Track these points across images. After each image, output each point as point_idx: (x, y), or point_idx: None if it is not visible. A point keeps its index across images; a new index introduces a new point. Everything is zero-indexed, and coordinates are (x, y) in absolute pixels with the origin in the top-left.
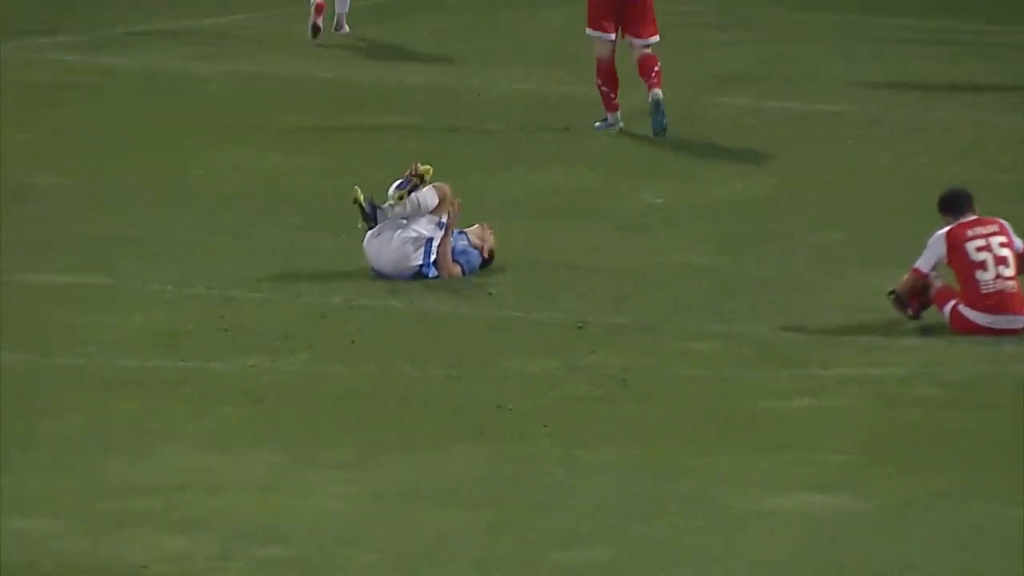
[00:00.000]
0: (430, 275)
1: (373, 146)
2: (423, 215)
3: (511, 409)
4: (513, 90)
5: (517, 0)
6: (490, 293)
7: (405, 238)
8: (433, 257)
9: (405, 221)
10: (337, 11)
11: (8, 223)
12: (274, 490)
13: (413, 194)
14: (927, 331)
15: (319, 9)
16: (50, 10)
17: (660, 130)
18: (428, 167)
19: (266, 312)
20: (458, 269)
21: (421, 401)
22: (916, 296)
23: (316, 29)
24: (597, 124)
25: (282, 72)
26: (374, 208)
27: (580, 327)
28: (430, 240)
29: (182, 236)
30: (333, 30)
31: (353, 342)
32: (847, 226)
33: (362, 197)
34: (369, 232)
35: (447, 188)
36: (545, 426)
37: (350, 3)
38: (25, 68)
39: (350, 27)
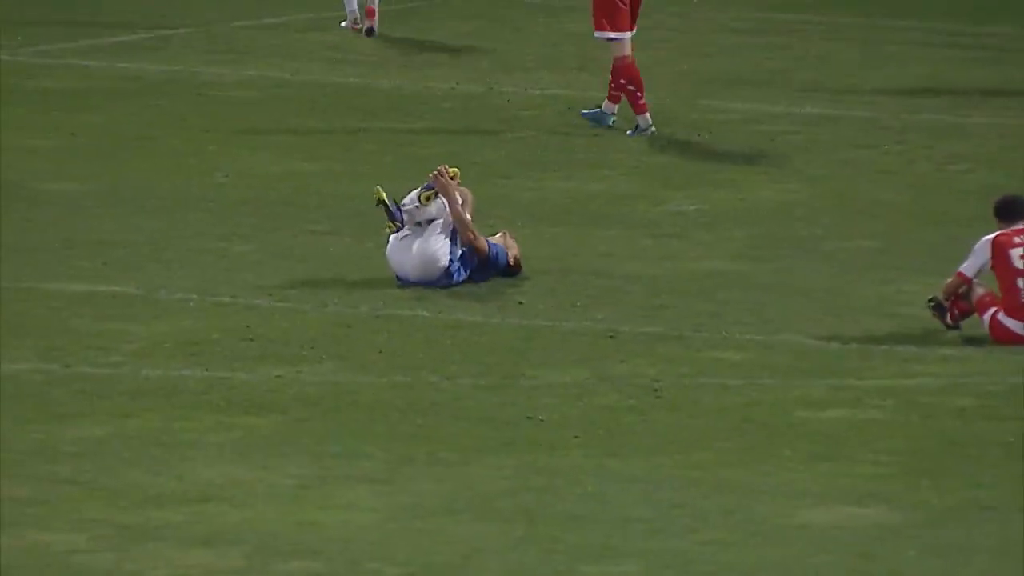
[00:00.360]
0: (457, 277)
1: (399, 151)
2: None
3: (541, 420)
4: (543, 96)
5: (545, 6)
6: (520, 302)
7: (432, 230)
8: (460, 251)
9: (428, 223)
10: (368, 4)
11: (27, 229)
12: (301, 503)
13: (439, 197)
14: (964, 341)
15: (370, 13)
16: (70, 16)
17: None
18: (456, 169)
19: (292, 321)
20: (483, 241)
21: (450, 412)
22: (957, 303)
23: (370, 31)
24: (629, 132)
25: (305, 78)
26: (398, 208)
27: (611, 336)
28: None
29: (204, 243)
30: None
31: (380, 352)
32: (882, 233)
33: (385, 195)
34: (392, 238)
35: (467, 191)
36: (576, 437)
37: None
38: (45, 74)
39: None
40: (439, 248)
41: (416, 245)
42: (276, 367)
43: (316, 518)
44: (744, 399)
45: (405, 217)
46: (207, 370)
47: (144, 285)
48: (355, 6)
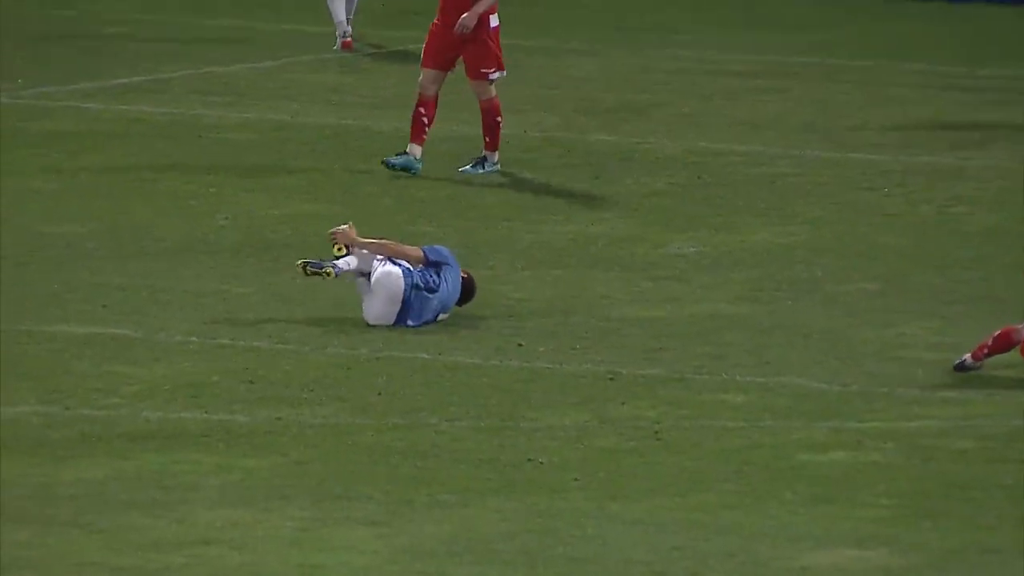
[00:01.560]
0: (431, 279)
1: (399, 193)
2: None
3: (542, 462)
4: (541, 138)
5: (543, 48)
6: (520, 344)
7: (372, 267)
8: (407, 264)
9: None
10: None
11: (29, 272)
12: (301, 545)
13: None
14: (965, 383)
15: (346, 46)
16: (70, 58)
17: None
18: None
19: (292, 364)
20: (413, 249)
21: (449, 454)
22: (998, 343)
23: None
24: (483, 169)
25: (305, 120)
26: (317, 264)
27: (611, 378)
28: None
29: (204, 285)
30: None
31: (380, 394)
32: (883, 276)
33: (302, 262)
34: (363, 305)
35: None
36: (576, 479)
37: (357, 2)
38: (46, 116)
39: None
40: (384, 267)
41: (371, 285)
42: (276, 409)
43: (317, 560)
44: (745, 441)
45: (324, 265)
46: (207, 412)
47: (144, 327)
48: (343, 16)
